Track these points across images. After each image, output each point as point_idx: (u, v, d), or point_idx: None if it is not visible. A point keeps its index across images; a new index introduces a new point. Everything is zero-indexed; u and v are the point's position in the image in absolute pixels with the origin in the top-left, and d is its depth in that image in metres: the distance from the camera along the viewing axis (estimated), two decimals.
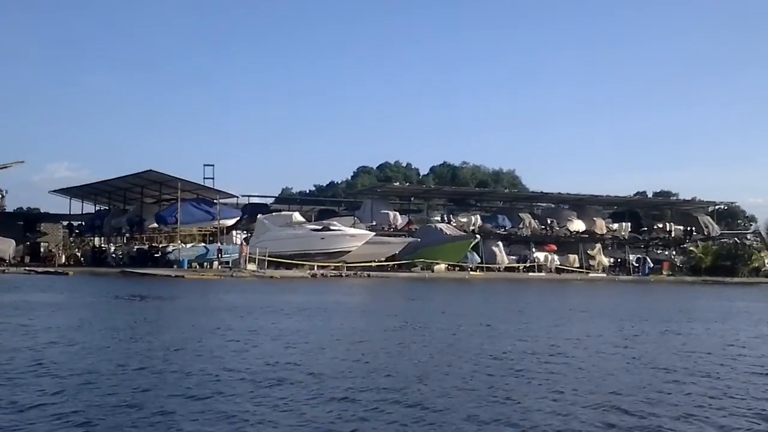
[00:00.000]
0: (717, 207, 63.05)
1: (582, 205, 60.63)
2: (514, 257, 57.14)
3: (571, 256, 58.36)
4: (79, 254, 55.71)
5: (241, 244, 41.94)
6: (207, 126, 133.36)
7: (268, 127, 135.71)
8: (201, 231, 51.58)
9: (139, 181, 50.91)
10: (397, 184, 55.28)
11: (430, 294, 30.32)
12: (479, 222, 56.45)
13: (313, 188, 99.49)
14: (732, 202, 66.61)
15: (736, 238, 57.74)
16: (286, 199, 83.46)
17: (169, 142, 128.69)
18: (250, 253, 40.94)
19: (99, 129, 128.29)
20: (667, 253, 61.77)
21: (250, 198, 57.55)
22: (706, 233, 60.35)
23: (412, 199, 62.11)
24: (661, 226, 60.44)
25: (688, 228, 60.46)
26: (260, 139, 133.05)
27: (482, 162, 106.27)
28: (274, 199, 76.06)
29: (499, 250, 55.82)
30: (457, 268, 51.49)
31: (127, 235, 52.59)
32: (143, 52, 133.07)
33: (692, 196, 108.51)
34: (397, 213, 54.24)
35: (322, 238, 42.99)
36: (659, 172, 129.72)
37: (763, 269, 54.80)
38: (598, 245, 59.45)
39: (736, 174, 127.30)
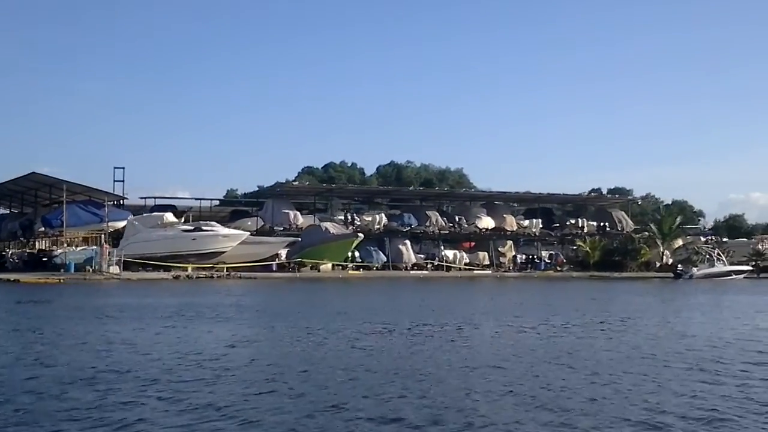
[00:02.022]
0: (632, 202, 62.69)
1: (493, 202, 60.22)
2: (422, 255, 56.85)
3: (480, 253, 58.01)
4: None
5: (101, 246, 41.26)
6: (183, 130, 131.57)
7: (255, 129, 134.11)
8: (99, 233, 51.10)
9: (29, 184, 50.55)
10: (296, 183, 54.69)
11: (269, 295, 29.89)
12: (384, 220, 56.02)
13: (257, 189, 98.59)
14: (645, 196, 66.19)
15: (630, 233, 57.14)
16: (231, 202, 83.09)
17: (155, 147, 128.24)
18: (119, 256, 40.52)
19: (85, 134, 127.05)
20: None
21: (156, 200, 56.89)
22: (619, 228, 59.97)
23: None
24: (573, 222, 60.01)
25: (602, 224, 60.07)
26: (221, 142, 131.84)
27: (432, 161, 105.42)
28: (219, 201, 75.48)
29: (406, 248, 55.45)
30: (372, 267, 51.42)
31: (22, 239, 52.07)
32: (131, 58, 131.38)
33: (646, 192, 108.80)
34: (298, 213, 53.72)
35: (194, 239, 42.49)
36: (632, 170, 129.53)
37: (660, 264, 54.16)
38: (509, 242, 59.08)
39: (717, 170, 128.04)
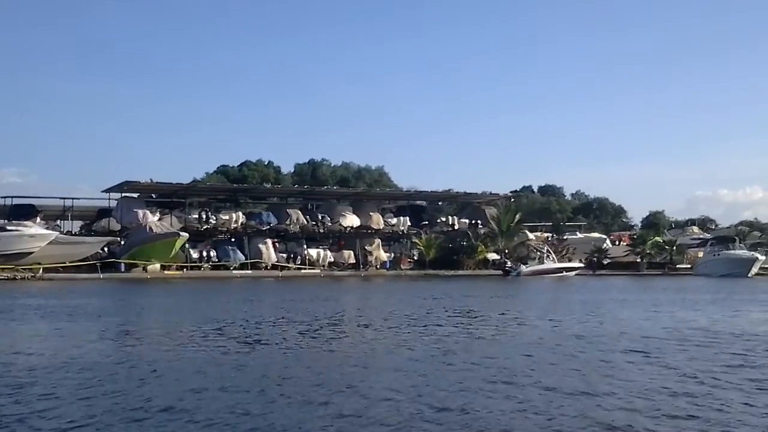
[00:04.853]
0: (504, 199, 61.78)
1: (361, 200, 59.18)
2: (284, 255, 55.76)
3: (345, 252, 57.05)
4: None
5: None
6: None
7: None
8: None
9: None
10: (146, 181, 53.20)
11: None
12: (242, 219, 54.92)
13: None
14: (509, 194, 65.18)
15: (467, 230, 56.18)
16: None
17: (113, 147, 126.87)
18: None
19: (50, 135, 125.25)
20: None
21: (14, 199, 55.50)
22: (491, 226, 58.99)
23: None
24: (444, 219, 59.03)
25: (473, 221, 59.12)
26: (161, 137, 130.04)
27: (354, 160, 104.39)
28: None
29: (267, 247, 54.40)
30: (229, 267, 50.46)
31: None
32: (93, 59, 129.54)
33: (577, 189, 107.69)
34: (147, 212, 52.40)
35: None
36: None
37: (498, 261, 53.10)
38: (377, 240, 58.15)
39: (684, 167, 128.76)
